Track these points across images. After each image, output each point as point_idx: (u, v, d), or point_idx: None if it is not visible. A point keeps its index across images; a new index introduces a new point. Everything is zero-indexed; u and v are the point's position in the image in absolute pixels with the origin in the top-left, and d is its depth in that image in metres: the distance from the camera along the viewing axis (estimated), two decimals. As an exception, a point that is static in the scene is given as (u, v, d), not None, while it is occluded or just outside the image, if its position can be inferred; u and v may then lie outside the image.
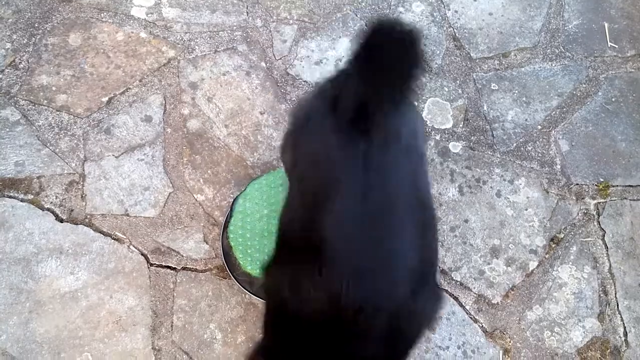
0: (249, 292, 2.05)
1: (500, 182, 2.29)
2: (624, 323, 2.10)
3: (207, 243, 2.09)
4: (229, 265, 2.08)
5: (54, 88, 2.27)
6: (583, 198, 2.29)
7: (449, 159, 2.32)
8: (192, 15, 2.47)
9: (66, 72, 2.30)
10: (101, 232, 2.07)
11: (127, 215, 2.10)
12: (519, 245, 2.19)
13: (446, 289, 2.10)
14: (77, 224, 2.08)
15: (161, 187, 2.15)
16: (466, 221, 2.22)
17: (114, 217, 2.10)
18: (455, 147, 2.35)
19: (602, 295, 2.14)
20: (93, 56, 2.33)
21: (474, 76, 2.49)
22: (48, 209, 2.09)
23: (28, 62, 2.29)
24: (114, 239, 2.07)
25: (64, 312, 1.95)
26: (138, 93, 2.30)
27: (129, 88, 2.30)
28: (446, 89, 2.46)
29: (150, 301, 1.99)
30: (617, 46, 2.59)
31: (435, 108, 2.41)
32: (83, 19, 2.41)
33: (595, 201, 2.28)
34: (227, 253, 2.09)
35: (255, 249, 2.07)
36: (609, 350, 2.05)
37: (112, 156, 2.18)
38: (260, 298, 2.06)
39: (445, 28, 2.60)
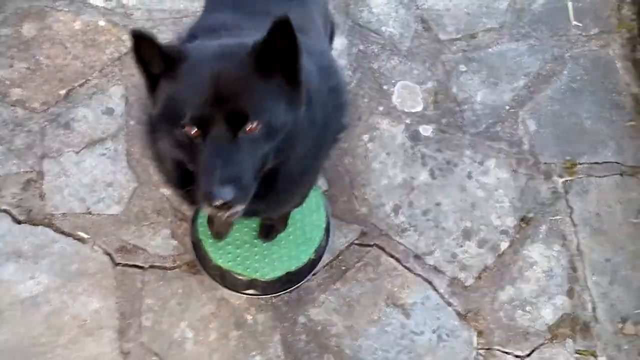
0: (221, 285, 1.71)
1: (471, 164, 1.95)
2: (592, 299, 1.81)
3: (175, 239, 1.73)
4: (199, 259, 1.72)
5: (7, 82, 1.84)
6: (551, 177, 1.96)
7: (420, 143, 1.96)
8: (153, 1, 2.03)
9: (20, 65, 1.86)
10: (62, 233, 1.69)
11: (90, 213, 1.72)
12: (490, 226, 1.87)
13: (420, 273, 1.78)
14: (36, 225, 1.69)
15: (125, 183, 1.77)
16: (438, 204, 1.88)
17: (76, 215, 1.71)
18: (426, 130, 1.99)
19: (571, 272, 1.84)
20: (49, 47, 1.90)
21: (443, 58, 2.11)
22: (4, 210, 1.69)
23: (-20, 55, 1.84)
24: (77, 239, 1.69)
25: (25, 318, 1.58)
26: (98, 84, 1.88)
27: (89, 79, 1.88)
28: (415, 72, 2.08)
29: (117, 302, 1.63)
30: (581, 24, 2.22)
31: (405, 91, 2.04)
32: (37, 8, 1.96)
33: (563, 179, 1.96)
34: (197, 247, 1.74)
35: (225, 241, 1.72)
36: (578, 326, 1.78)
37: (72, 152, 1.78)
38: (234, 291, 1.72)
39: (413, 10, 2.20)
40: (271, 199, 1.20)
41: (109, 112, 1.85)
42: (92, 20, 1.97)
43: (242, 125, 1.01)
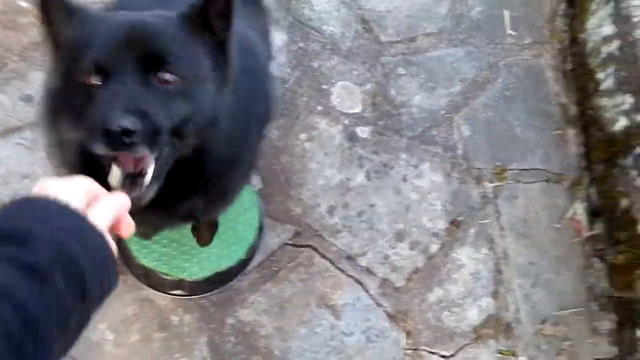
0: (146, 285, 1.75)
1: (406, 167, 2.09)
2: (516, 301, 2.00)
3: (98, 236, 1.75)
4: (123, 258, 1.75)
5: None
6: (482, 182, 2.14)
7: (357, 144, 2.08)
8: (81, -18, 2.02)
9: None
10: (-28, 227, 1.66)
11: (4, 207, 1.70)
12: (423, 228, 2.02)
13: (352, 275, 1.90)
14: (-59, 218, 1.65)
15: (43, 175, 1.75)
16: (373, 206, 2.01)
17: (-12, 209, 1.69)
18: (363, 131, 2.11)
19: (496, 274, 2.02)
20: (-38, 25, 1.86)
21: (383, 60, 2.24)
22: None
23: None
24: (-12, 235, 1.67)
25: None
26: (16, 69, 1.85)
27: (6, 63, 1.85)
28: (355, 73, 2.20)
29: (32, 302, 1.63)
30: (515, 33, 2.42)
31: (344, 92, 2.16)
32: (-51, -19, 1.91)
33: (493, 184, 2.14)
34: (120, 245, 1.76)
35: (150, 240, 1.76)
36: (501, 327, 1.95)
37: (-15, 140, 1.75)
38: (160, 292, 1.76)
39: (354, 10, 2.31)
40: (201, 194, 1.14)
41: (28, 99, 1.83)
42: (13, 1, 1.94)
43: (155, 69, 0.91)
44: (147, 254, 1.71)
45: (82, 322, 0.64)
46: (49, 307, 0.58)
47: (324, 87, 2.15)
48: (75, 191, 0.67)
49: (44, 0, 0.92)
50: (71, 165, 1.05)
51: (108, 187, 0.88)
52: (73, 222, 0.64)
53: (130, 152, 0.85)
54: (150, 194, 0.94)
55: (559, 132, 2.29)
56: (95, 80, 0.88)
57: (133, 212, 0.79)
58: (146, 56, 0.90)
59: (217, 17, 0.97)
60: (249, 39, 1.32)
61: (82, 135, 0.90)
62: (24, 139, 1.79)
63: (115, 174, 0.91)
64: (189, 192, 1.07)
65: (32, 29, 1.91)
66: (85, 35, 0.92)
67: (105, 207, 0.71)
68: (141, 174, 0.90)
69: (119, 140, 0.81)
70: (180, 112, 0.93)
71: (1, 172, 1.74)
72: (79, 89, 0.90)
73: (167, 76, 0.91)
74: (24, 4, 1.95)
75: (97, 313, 0.65)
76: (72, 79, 0.91)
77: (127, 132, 0.81)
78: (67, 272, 0.60)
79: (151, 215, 1.07)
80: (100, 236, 0.66)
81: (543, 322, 2.02)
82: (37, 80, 1.85)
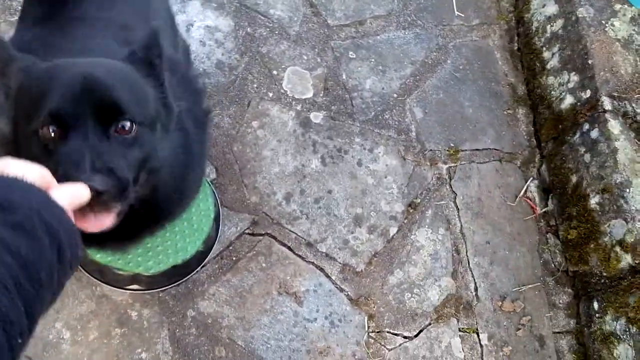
0: (100, 282, 1.87)
1: (361, 151, 2.30)
2: (474, 279, 2.24)
3: (47, 233, 1.86)
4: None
5: None
6: (436, 163, 2.38)
7: (311, 130, 2.28)
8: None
9: None
10: None
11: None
12: (380, 212, 2.23)
13: (312, 261, 2.09)
14: None
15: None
16: (330, 192, 2.21)
17: None
18: (317, 117, 2.31)
19: (455, 254, 2.26)
20: None
21: (332, 44, 2.45)
22: None
23: None
24: None
25: None
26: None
27: None
28: (305, 57, 2.39)
29: (-20, 305, 1.73)
30: (463, 15, 2.69)
31: (295, 77, 2.35)
32: None
33: (447, 166, 2.39)
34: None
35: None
36: (462, 306, 2.18)
37: None
38: (116, 287, 1.89)
39: (301, -7, 2.52)
40: (165, 213, 1.30)
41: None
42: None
43: (113, 122, 1.00)
44: (99, 250, 1.83)
45: (60, 284, 0.78)
46: (39, 256, 0.72)
47: (274, 72, 2.33)
48: (35, 174, 0.81)
49: None
50: None
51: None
52: (41, 197, 0.78)
53: (101, 207, 0.96)
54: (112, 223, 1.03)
55: (509, 111, 2.57)
56: (53, 133, 0.97)
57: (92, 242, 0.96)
58: (103, 107, 0.99)
59: (157, 57, 1.12)
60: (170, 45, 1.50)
61: None
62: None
63: None
64: (144, 224, 1.23)
65: None
66: (38, 86, 1.00)
67: (64, 192, 0.85)
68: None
69: (95, 202, 0.92)
70: (140, 159, 1.06)
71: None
72: (35, 139, 0.99)
73: (125, 125, 1.02)
74: None
75: (63, 288, 0.79)
76: (28, 129, 0.99)
77: (98, 193, 0.92)
78: (48, 232, 0.74)
79: (110, 244, 1.26)
80: (64, 212, 0.80)
81: (502, 298, 2.27)
82: None
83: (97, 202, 0.92)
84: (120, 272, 1.85)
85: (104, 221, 0.98)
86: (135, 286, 1.89)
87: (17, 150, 1.05)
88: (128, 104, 1.03)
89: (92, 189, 0.90)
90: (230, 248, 2.04)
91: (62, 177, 0.89)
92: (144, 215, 1.18)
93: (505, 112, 2.54)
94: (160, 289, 1.91)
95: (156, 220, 1.30)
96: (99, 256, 1.83)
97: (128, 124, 1.02)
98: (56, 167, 0.93)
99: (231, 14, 2.38)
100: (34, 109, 0.98)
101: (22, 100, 1.03)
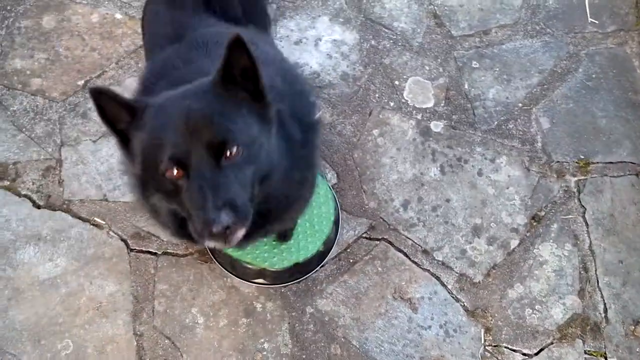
0: (231, 274, 2.03)
1: (482, 161, 2.26)
2: (604, 299, 2.09)
3: (187, 227, 2.06)
4: (210, 248, 2.05)
5: (28, 72, 2.20)
6: (564, 175, 2.26)
7: (431, 139, 2.28)
8: (168, -5, 2.39)
9: (40, 56, 2.23)
10: (80, 218, 2.03)
11: (106, 200, 2.06)
12: (501, 223, 2.17)
13: (428, 269, 2.09)
14: (54, 210, 2.03)
15: (140, 172, 2.10)
16: (448, 201, 2.19)
17: (93, 202, 2.05)
18: (437, 126, 2.31)
19: (582, 272, 2.12)
20: (68, 39, 2.26)
21: (455, 54, 2.44)
22: (25, 196, 2.03)
23: (1, 46, 2.22)
24: (93, 225, 2.02)
25: (44, 299, 1.92)
26: (114, 76, 2.23)
27: (105, 71, 2.24)
28: (427, 68, 2.41)
29: (131, 287, 1.96)
30: (597, 22, 2.54)
31: (417, 87, 2.37)
32: (57, 0, 2.33)
33: (576, 178, 2.26)
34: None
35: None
36: (589, 327, 2.05)
37: (90, 140, 2.13)
38: (244, 280, 2.04)
39: (425, 6, 2.54)
40: (278, 217, 1.37)
41: (124, 103, 2.21)
42: (109, 13, 2.33)
43: (222, 153, 1.12)
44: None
45: None
46: None
47: (396, 83, 2.38)
48: None
49: (97, 101, 1.13)
50: (164, 224, 1.39)
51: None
52: None
53: (230, 237, 1.12)
54: (239, 239, 1.18)
55: (649, 122, 2.38)
56: (177, 175, 1.13)
57: None
58: (210, 144, 1.12)
59: (243, 72, 1.16)
60: (278, 59, 1.56)
61: (193, 229, 1.16)
62: (122, 139, 2.16)
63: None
64: (262, 225, 1.31)
65: (126, 39, 2.29)
66: (152, 137, 1.15)
67: None
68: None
69: (222, 235, 1.10)
70: (251, 176, 1.18)
71: (104, 169, 2.10)
72: (162, 178, 1.15)
73: (233, 151, 1.14)
74: (119, 16, 2.35)
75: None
76: (154, 170, 1.15)
77: (227, 228, 1.09)
78: None
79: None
80: None
81: (636, 323, 2.08)
82: (132, 85, 2.20)
83: (223, 233, 1.09)
84: (249, 266, 2.00)
85: (232, 241, 1.15)
86: (261, 280, 2.02)
87: (152, 186, 1.21)
88: (230, 132, 1.14)
89: (220, 225, 1.07)
90: (348, 250, 2.11)
91: (196, 223, 1.10)
92: (258, 219, 1.26)
93: (644, 124, 2.34)
94: (283, 285, 2.03)
95: (268, 222, 1.36)
96: (231, 250, 1.98)
97: (235, 149, 1.14)
98: (186, 203, 1.13)
99: (357, 27, 2.47)
100: (157, 154, 1.14)
101: (145, 147, 1.17)
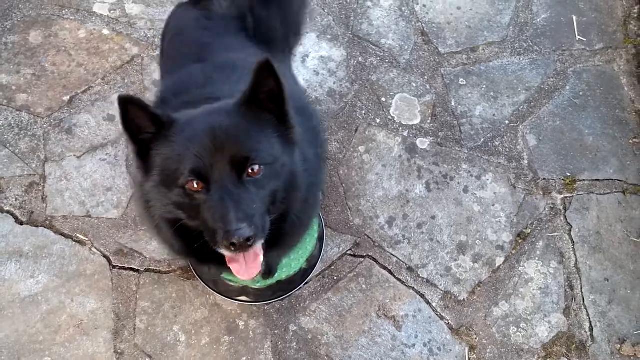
0: (214, 291, 2.00)
1: (468, 178, 2.23)
2: (589, 318, 2.06)
3: (170, 244, 2.03)
4: (192, 265, 2.02)
5: (14, 87, 2.17)
6: (550, 193, 2.23)
7: (417, 155, 2.25)
8: (156, 11, 2.37)
9: (27, 71, 2.20)
10: (62, 235, 2.00)
11: (89, 216, 2.03)
12: (486, 241, 2.14)
13: (413, 286, 2.05)
14: (37, 227, 2.00)
15: (124, 188, 2.08)
16: (433, 218, 2.16)
17: (76, 218, 2.02)
18: (423, 143, 2.28)
19: (568, 290, 2.09)
20: (54, 54, 2.24)
21: (442, 71, 2.42)
22: (8, 212, 2.01)
23: (-13, 60, 2.19)
24: (76, 241, 1.99)
25: (24, 316, 1.88)
26: (100, 92, 2.21)
27: (91, 86, 2.21)
28: (414, 85, 2.38)
29: (113, 304, 1.92)
30: (585, 39, 2.52)
31: (403, 104, 2.34)
32: (44, 16, 2.31)
33: (562, 196, 2.23)
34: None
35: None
36: (574, 345, 2.02)
37: (74, 156, 2.10)
38: (226, 297, 2.00)
39: (413, 23, 2.52)
40: (289, 237, 1.40)
41: (110, 118, 2.17)
42: (96, 29, 2.31)
43: (245, 169, 1.16)
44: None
45: None
46: None
47: (383, 100, 2.35)
48: None
49: (125, 109, 1.13)
50: (169, 244, 1.39)
51: (207, 254, 1.27)
52: None
53: (250, 248, 1.16)
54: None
55: (636, 140, 2.34)
56: (197, 187, 1.16)
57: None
58: (234, 159, 1.15)
59: (269, 95, 1.20)
60: (297, 96, 1.56)
61: (207, 236, 1.19)
62: (107, 155, 2.13)
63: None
64: (275, 244, 1.33)
65: (113, 55, 2.27)
66: (177, 150, 1.17)
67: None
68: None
69: (243, 246, 1.13)
70: (271, 192, 1.22)
71: (87, 185, 2.07)
72: (179, 190, 1.17)
73: (254, 168, 1.17)
74: (106, 32, 2.33)
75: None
76: (171, 182, 1.17)
77: (247, 240, 1.12)
78: None
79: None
80: None
81: (621, 341, 2.05)
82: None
83: (244, 245, 1.13)
84: (232, 284, 1.96)
85: (253, 272, 1.25)
86: (243, 297, 1.99)
87: (167, 198, 1.22)
88: (254, 150, 1.17)
89: (242, 236, 1.11)
90: (332, 267, 2.07)
91: (216, 233, 1.13)
92: (273, 239, 1.28)
93: (631, 141, 2.32)
94: (266, 302, 2.00)
95: (281, 241, 1.38)
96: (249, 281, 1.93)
97: (257, 167, 1.18)
98: (203, 215, 1.16)
99: (344, 44, 2.45)
100: (178, 167, 1.16)
101: (165, 159, 1.19)
